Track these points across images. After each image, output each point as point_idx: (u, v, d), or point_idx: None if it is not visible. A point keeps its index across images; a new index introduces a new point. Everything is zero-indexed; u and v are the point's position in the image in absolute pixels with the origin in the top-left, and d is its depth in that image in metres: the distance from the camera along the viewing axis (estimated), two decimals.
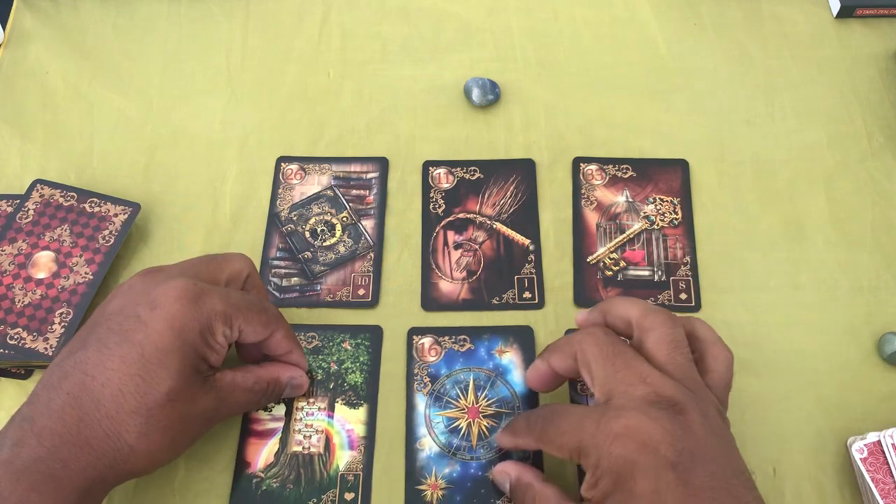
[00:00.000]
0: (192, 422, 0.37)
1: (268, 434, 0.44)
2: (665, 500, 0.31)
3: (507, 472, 0.40)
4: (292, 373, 0.43)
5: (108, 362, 0.35)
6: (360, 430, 0.44)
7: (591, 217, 0.51)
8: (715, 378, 0.37)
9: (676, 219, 0.51)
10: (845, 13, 0.59)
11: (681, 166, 0.53)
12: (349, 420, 0.44)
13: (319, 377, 0.46)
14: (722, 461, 0.33)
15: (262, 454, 0.43)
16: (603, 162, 0.53)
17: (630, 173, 0.53)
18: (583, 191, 0.52)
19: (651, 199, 0.52)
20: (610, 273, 0.49)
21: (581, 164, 0.53)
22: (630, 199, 0.52)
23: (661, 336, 0.36)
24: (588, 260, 0.49)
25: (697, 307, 0.47)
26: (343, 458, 0.43)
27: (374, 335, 0.47)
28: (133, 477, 0.37)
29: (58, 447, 0.33)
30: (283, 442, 0.44)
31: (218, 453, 0.43)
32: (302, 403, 0.45)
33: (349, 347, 0.47)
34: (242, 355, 0.44)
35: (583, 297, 0.48)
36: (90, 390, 0.34)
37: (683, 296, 0.48)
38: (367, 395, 0.45)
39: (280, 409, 0.45)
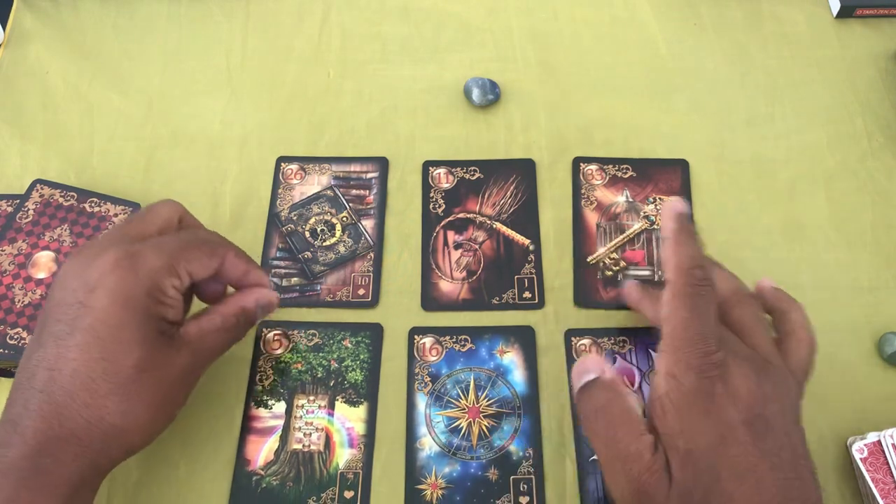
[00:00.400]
0: (173, 384, 0.37)
1: (268, 432, 0.44)
2: (728, 450, 0.32)
3: (600, 368, 0.37)
4: (256, 295, 0.41)
5: (67, 354, 0.34)
6: (360, 428, 0.44)
7: (591, 217, 0.51)
8: (794, 361, 0.37)
9: None
10: (845, 13, 0.59)
11: (681, 166, 0.53)
12: (349, 418, 0.44)
13: (320, 375, 0.46)
14: (790, 437, 0.33)
15: (262, 452, 0.43)
16: (603, 162, 0.53)
17: (630, 173, 0.53)
18: (583, 191, 0.52)
19: (651, 199, 0.52)
20: (610, 273, 0.49)
21: (581, 164, 0.53)
22: (630, 199, 0.52)
23: (748, 312, 0.38)
24: (588, 260, 0.49)
25: None
26: (343, 456, 0.43)
27: (374, 333, 0.47)
28: (132, 454, 0.37)
29: (43, 444, 0.33)
30: (283, 440, 0.44)
31: (218, 452, 0.43)
32: (302, 401, 0.45)
33: (350, 345, 0.47)
34: (207, 299, 0.42)
35: (583, 297, 0.48)
36: (60, 384, 0.34)
37: None
38: (367, 393, 0.45)
39: (280, 407, 0.45)
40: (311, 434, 0.44)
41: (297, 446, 0.43)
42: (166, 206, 0.41)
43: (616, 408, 0.35)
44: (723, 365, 0.33)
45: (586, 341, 0.46)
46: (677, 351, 0.34)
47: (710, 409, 0.32)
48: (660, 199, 0.52)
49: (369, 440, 0.44)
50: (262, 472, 0.43)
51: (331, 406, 0.45)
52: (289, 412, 0.44)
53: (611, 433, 0.34)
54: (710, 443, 0.32)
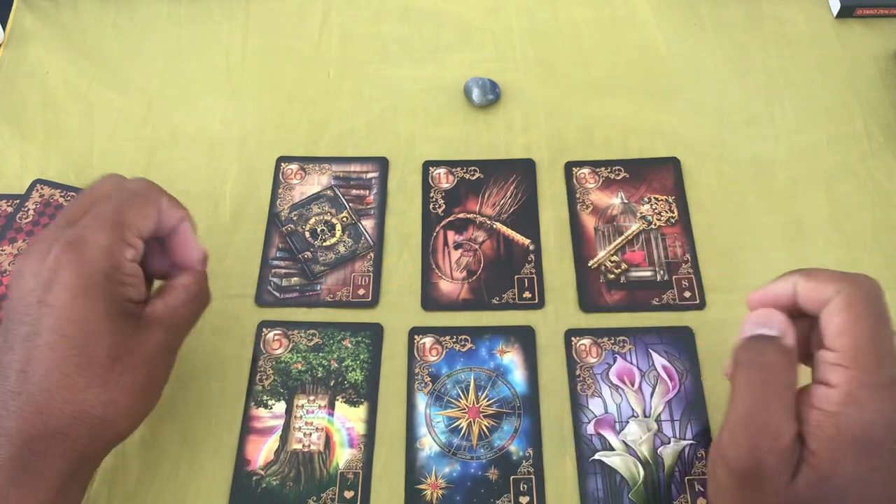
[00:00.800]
0: (151, 366, 0.36)
1: (268, 432, 0.44)
2: (870, 483, 0.29)
3: (783, 325, 0.33)
4: (195, 254, 0.40)
5: (37, 354, 0.33)
6: (360, 428, 0.44)
7: (588, 221, 0.51)
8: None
9: (673, 217, 0.51)
10: (845, 13, 0.59)
11: (672, 164, 0.53)
12: (349, 418, 0.44)
13: (320, 375, 0.46)
14: None
15: (262, 452, 0.43)
16: (595, 165, 0.53)
17: (623, 174, 0.53)
18: (577, 195, 0.52)
19: (646, 199, 0.52)
20: (612, 276, 0.49)
21: (573, 168, 0.53)
22: (625, 201, 0.52)
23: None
24: (590, 265, 0.49)
25: (702, 305, 0.47)
26: (343, 456, 0.43)
27: (374, 333, 0.47)
28: (122, 440, 0.37)
29: (28, 442, 0.33)
30: (284, 440, 0.44)
31: (218, 452, 0.43)
32: (302, 401, 0.45)
33: (349, 345, 0.47)
34: (153, 272, 0.41)
35: (588, 302, 0.48)
36: (36, 384, 0.33)
37: (687, 294, 0.48)
38: (367, 393, 0.45)
39: (280, 407, 0.45)
40: (311, 434, 0.44)
41: (297, 446, 0.43)
42: (104, 182, 0.39)
43: (782, 377, 0.32)
44: None
45: (586, 341, 0.46)
46: (864, 371, 0.30)
47: (881, 445, 0.29)
48: (655, 198, 0.52)
49: (369, 440, 0.44)
50: (263, 472, 0.43)
51: (331, 406, 0.45)
52: (289, 412, 0.44)
53: (761, 398, 0.32)
54: (858, 475, 0.29)
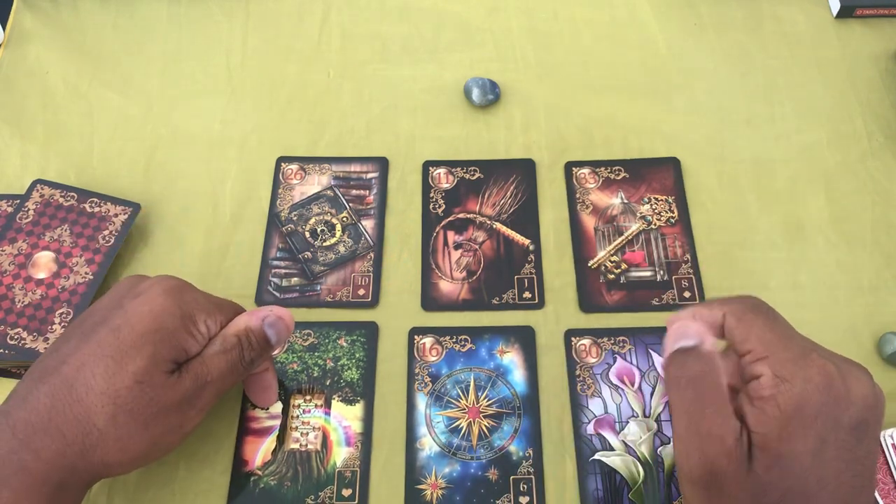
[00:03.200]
0: (168, 408, 0.36)
1: (265, 432, 0.44)
2: (824, 455, 0.31)
3: (699, 333, 0.35)
4: (259, 314, 0.40)
5: (84, 347, 0.35)
6: (356, 426, 0.44)
7: (588, 221, 0.51)
8: None
9: (673, 217, 0.51)
10: (845, 13, 0.59)
11: (672, 164, 0.53)
12: (346, 417, 0.44)
13: (316, 374, 0.46)
14: (876, 444, 0.32)
15: (260, 452, 0.43)
16: (595, 165, 0.53)
17: (623, 174, 0.53)
18: (577, 195, 0.52)
19: (646, 199, 0.52)
20: (612, 276, 0.49)
21: (573, 169, 0.53)
22: (625, 201, 0.52)
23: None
24: (590, 265, 0.49)
25: None
26: (340, 455, 0.43)
27: (369, 331, 0.47)
28: (109, 471, 0.36)
29: (30, 437, 0.33)
30: (281, 439, 0.44)
31: (218, 453, 0.43)
32: (299, 401, 0.45)
33: (345, 344, 0.47)
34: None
35: (588, 302, 0.48)
36: (64, 376, 0.34)
37: (687, 294, 0.48)
38: (363, 391, 0.45)
39: (277, 407, 0.45)
40: (308, 433, 0.44)
41: (295, 446, 0.43)
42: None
43: (709, 383, 0.33)
44: (838, 366, 0.32)
45: (586, 341, 0.46)
46: (778, 351, 0.32)
47: (820, 413, 0.31)
48: (654, 198, 0.52)
49: (366, 438, 0.44)
50: (260, 473, 0.43)
51: (327, 405, 0.45)
52: (285, 412, 0.44)
53: (697, 407, 0.33)
54: (810, 449, 0.31)
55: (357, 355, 0.46)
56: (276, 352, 0.45)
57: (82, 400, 0.34)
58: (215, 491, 0.42)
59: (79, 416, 0.34)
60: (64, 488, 0.34)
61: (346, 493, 0.42)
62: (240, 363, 0.39)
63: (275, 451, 0.43)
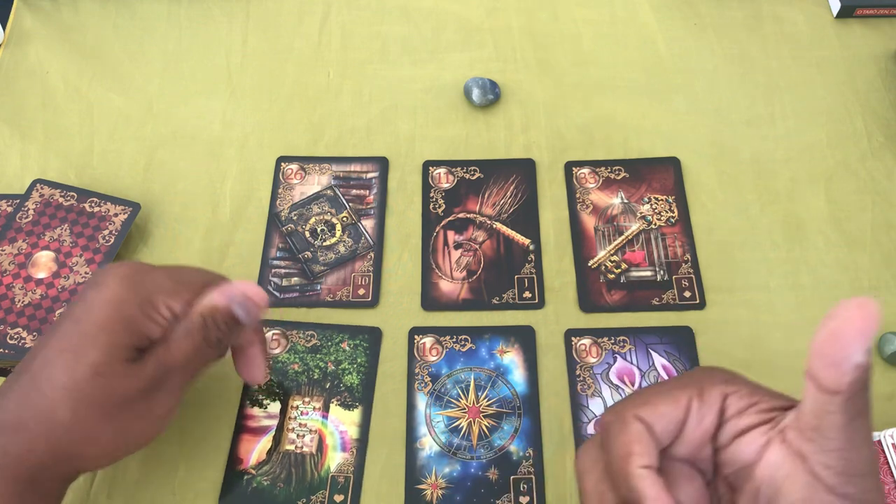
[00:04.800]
0: (131, 399, 0.35)
1: (261, 431, 0.44)
2: None
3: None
4: (228, 292, 0.37)
5: (49, 342, 0.35)
6: (353, 432, 0.44)
7: (589, 221, 0.51)
8: None
9: (673, 217, 0.51)
10: (845, 13, 0.59)
11: (672, 164, 0.53)
12: (343, 421, 0.44)
13: (316, 376, 0.46)
14: None
15: (255, 451, 0.43)
16: (595, 165, 0.53)
17: (623, 174, 0.53)
18: (578, 195, 0.52)
19: (646, 199, 0.52)
20: (612, 276, 0.49)
21: (574, 168, 0.53)
22: (625, 201, 0.52)
23: None
24: (590, 264, 0.49)
25: (702, 304, 0.47)
26: (335, 460, 0.43)
27: (372, 337, 0.47)
28: (82, 465, 0.35)
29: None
30: (277, 440, 0.44)
31: (216, 453, 0.43)
32: (297, 402, 0.45)
33: (347, 348, 0.46)
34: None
35: (588, 302, 0.48)
36: (31, 371, 0.34)
37: (687, 294, 0.48)
38: (362, 397, 0.45)
39: (275, 407, 0.45)
40: (304, 435, 0.44)
41: (290, 447, 0.43)
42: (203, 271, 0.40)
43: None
44: None
45: (586, 341, 0.46)
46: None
47: None
48: (654, 198, 0.52)
49: (362, 445, 0.44)
50: (254, 472, 0.43)
51: (325, 408, 0.45)
52: (283, 412, 0.44)
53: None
54: None
55: (359, 360, 0.46)
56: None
57: (46, 394, 0.34)
58: (215, 491, 0.42)
59: (43, 410, 0.33)
60: (36, 483, 0.34)
61: (339, 498, 0.42)
62: (205, 344, 0.36)
63: (270, 452, 0.43)
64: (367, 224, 0.51)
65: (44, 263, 0.48)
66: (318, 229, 0.51)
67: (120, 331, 0.35)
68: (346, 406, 0.45)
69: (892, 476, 0.40)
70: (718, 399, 0.30)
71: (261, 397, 0.45)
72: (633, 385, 0.45)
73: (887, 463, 0.41)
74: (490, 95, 0.55)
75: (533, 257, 0.50)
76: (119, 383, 0.34)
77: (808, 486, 0.27)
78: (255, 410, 0.44)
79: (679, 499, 0.30)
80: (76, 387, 0.34)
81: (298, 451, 0.43)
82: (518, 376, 0.45)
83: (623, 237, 0.50)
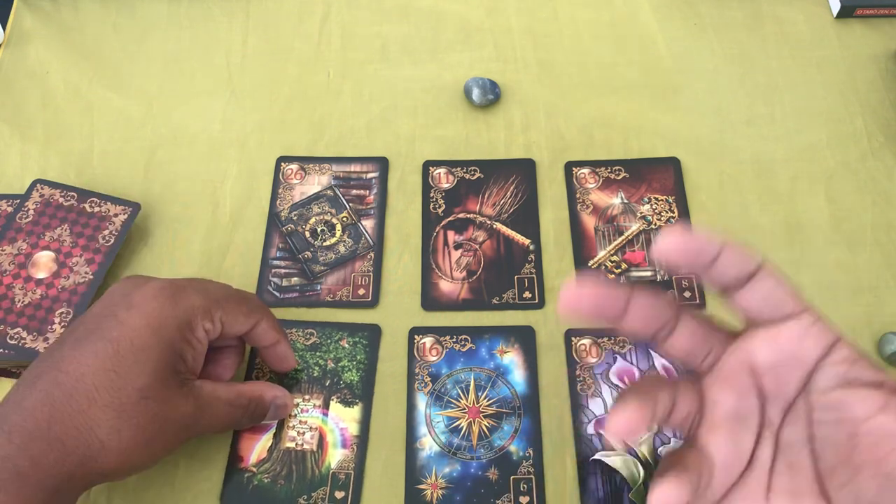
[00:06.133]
0: (168, 426, 0.36)
1: (262, 429, 0.44)
2: None
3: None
4: (276, 392, 0.42)
5: (81, 358, 0.35)
6: (353, 428, 0.44)
7: (589, 221, 0.51)
8: None
9: (673, 217, 0.51)
10: (845, 13, 0.59)
11: (672, 164, 0.53)
12: (343, 418, 0.44)
13: (316, 374, 0.46)
14: None
15: (255, 449, 0.43)
16: (595, 165, 0.53)
17: (623, 174, 0.53)
18: (577, 195, 0.52)
19: (646, 199, 0.52)
20: (612, 276, 0.49)
21: (574, 168, 0.53)
22: (625, 201, 0.52)
23: None
24: (590, 265, 0.49)
25: (702, 304, 0.47)
26: (335, 457, 0.43)
27: (372, 334, 0.47)
28: (104, 479, 0.36)
29: (27, 444, 0.33)
30: (277, 437, 0.44)
31: (217, 452, 0.43)
32: (297, 400, 0.45)
33: (347, 345, 0.47)
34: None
35: None
36: (63, 385, 0.34)
37: (687, 294, 0.48)
38: (362, 393, 0.45)
39: None
40: (304, 433, 0.44)
41: (290, 444, 0.43)
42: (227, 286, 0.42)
43: None
44: None
45: (586, 341, 0.46)
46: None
47: None
48: (654, 198, 0.52)
49: (362, 441, 0.44)
50: (255, 470, 0.43)
51: (325, 406, 0.45)
52: None
53: None
54: None
55: (358, 357, 0.46)
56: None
57: (84, 411, 0.34)
58: (215, 491, 0.42)
59: (80, 427, 0.34)
60: (60, 492, 0.34)
61: (339, 495, 0.42)
62: (238, 422, 0.41)
63: (270, 449, 0.43)
64: (367, 224, 0.51)
65: (44, 263, 0.48)
66: (318, 229, 0.51)
67: (161, 358, 0.36)
68: (346, 403, 0.45)
69: None
70: (832, 336, 0.30)
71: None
72: None
73: None
74: (490, 95, 0.55)
75: (533, 257, 0.50)
76: (163, 408, 0.36)
77: None
78: None
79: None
80: (121, 408, 0.34)
81: (299, 448, 0.43)
82: (518, 376, 0.45)
83: (623, 237, 0.50)
